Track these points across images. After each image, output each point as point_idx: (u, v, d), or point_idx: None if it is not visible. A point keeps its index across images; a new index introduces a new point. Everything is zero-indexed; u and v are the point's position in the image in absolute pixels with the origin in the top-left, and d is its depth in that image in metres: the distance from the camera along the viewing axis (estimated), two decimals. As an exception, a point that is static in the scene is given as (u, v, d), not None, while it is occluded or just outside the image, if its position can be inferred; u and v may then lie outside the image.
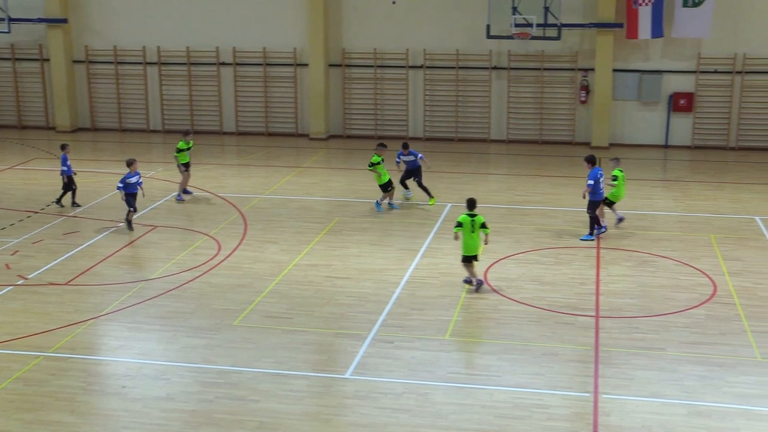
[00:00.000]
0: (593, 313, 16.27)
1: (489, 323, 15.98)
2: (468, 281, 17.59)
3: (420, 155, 23.51)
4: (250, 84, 33.20)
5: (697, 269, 18.54)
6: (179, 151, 23.98)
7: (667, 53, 30.21)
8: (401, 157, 23.48)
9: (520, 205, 23.41)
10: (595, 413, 12.75)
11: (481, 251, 17.62)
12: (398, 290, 17.47)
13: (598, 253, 19.60)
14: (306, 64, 32.28)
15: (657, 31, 29.19)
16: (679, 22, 29.13)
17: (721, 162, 28.82)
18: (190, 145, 24.31)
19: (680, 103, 30.28)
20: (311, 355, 14.80)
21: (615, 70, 30.31)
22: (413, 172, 23.62)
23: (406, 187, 23.90)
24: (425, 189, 23.53)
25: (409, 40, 31.68)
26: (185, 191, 24.28)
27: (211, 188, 25.22)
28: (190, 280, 18.05)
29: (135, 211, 21.46)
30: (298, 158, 29.51)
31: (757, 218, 22.08)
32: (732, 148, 30.26)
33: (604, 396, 13.22)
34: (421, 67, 31.87)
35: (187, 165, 24.14)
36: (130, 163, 21.60)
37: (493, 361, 14.41)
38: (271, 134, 33.08)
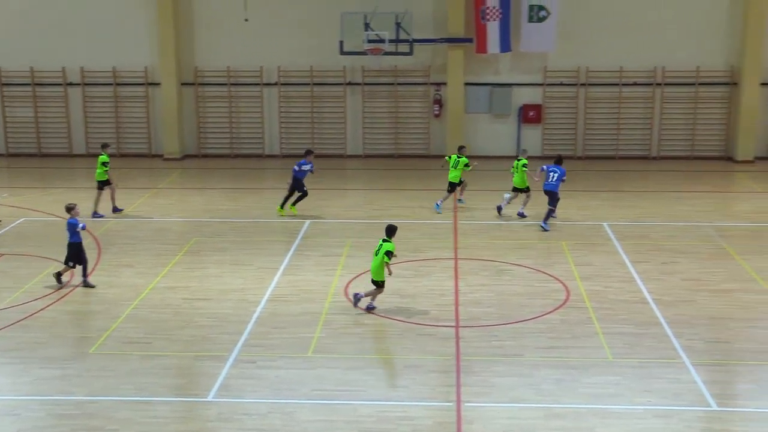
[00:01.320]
0: (453, 324, 16.54)
1: (352, 338, 16.01)
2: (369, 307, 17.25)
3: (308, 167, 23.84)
4: (100, 104, 32.31)
5: (551, 275, 19.13)
6: (104, 164, 23.66)
7: (515, 67, 31.16)
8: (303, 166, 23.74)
9: (377, 220, 23.59)
10: (458, 422, 12.95)
11: (382, 278, 17.06)
12: (259, 309, 17.31)
13: (456, 264, 19.95)
14: (158, 83, 31.68)
15: (505, 45, 30.08)
16: (525, 37, 30.11)
17: (570, 171, 29.65)
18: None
19: (529, 114, 31.27)
20: (172, 380, 14.46)
21: (466, 84, 31.03)
22: (298, 182, 23.77)
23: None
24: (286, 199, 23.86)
25: (262, 57, 31.56)
26: (95, 214, 23.94)
27: (62, 212, 24.36)
28: (42, 309, 17.37)
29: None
30: (153, 179, 28.88)
31: (604, 224, 22.98)
32: (579, 158, 31.43)
33: (466, 405, 13.44)
34: (275, 84, 31.79)
35: (103, 182, 23.85)
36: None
37: (357, 376, 14.43)
38: (123, 155, 32.26)
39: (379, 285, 17.11)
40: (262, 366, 14.78)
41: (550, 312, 17.07)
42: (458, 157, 24.31)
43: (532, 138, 31.48)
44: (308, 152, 24.35)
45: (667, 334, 15.96)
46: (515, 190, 23.88)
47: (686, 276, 19.10)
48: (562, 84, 31.16)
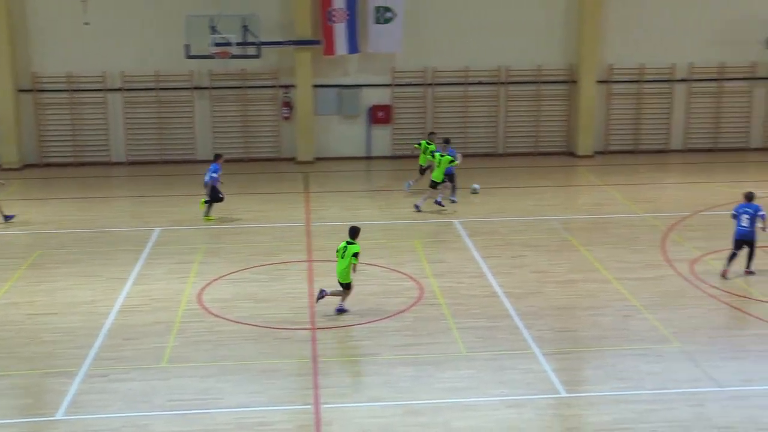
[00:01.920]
0: (309, 326, 16.52)
1: (206, 346, 15.75)
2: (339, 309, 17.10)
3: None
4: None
5: (405, 274, 19.38)
6: None
7: (364, 68, 31.38)
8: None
9: (229, 225, 23.32)
10: (317, 424, 12.95)
11: (349, 280, 16.94)
12: (109, 321, 16.81)
13: (310, 266, 19.94)
14: (-7, 90, 30.32)
15: (353, 47, 30.27)
16: (372, 38, 30.38)
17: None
18: None
19: (378, 115, 31.56)
20: (17, 400, 13.87)
21: (315, 86, 31.02)
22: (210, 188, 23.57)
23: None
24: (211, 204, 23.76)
25: (105, 62, 30.62)
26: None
27: None
28: None
29: None
30: (-9, 190, 27.62)
31: (455, 221, 23.44)
32: (429, 157, 31.98)
33: (324, 406, 13.45)
34: (119, 89, 30.93)
35: None
36: None
37: (213, 384, 14.22)
38: (-42, 166, 30.74)
39: (346, 287, 16.91)
40: (114, 379, 14.36)
41: (404, 310, 17.29)
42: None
43: (382, 138, 31.78)
44: (217, 156, 24.18)
45: (517, 326, 16.44)
46: (434, 184, 24.23)
47: (534, 269, 19.72)
48: (410, 84, 31.60)
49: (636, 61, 31.58)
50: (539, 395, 13.83)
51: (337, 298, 17.13)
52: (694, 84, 31.88)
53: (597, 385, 14.20)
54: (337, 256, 16.93)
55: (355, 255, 16.68)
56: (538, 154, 32.03)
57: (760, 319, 16.75)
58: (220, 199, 23.76)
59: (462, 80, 31.57)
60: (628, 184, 27.42)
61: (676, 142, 32.30)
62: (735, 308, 17.31)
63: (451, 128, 31.54)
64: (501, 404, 13.53)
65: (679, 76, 31.77)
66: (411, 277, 19.15)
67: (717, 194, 26.04)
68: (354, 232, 17.00)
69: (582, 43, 31.00)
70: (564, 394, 13.86)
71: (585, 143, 31.51)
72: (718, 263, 19.61)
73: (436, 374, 14.50)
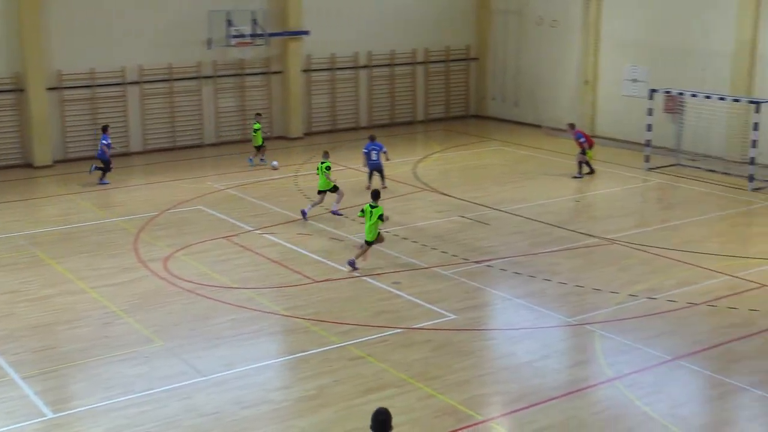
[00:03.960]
0: None
1: None
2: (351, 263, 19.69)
3: None
4: None
5: None
6: None
7: None
8: None
9: None
10: None
11: (374, 237, 19.60)
12: None
13: None
14: None
15: None
16: None
17: None
18: None
19: None
20: None
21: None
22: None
23: None
24: None
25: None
26: None
27: None
28: None
29: None
30: None
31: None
32: None
33: None
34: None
35: None
36: None
37: None
38: None
39: (371, 244, 19.69)
40: None
41: None
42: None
43: None
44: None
45: (-9, 354, 15.42)
46: (320, 192, 24.03)
47: (3, 290, 18.62)
48: None
49: (86, 65, 31.21)
50: (23, 422, 13.10)
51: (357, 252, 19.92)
52: (146, 85, 32.45)
53: (85, 399, 13.87)
54: (365, 218, 19.62)
55: (381, 216, 19.44)
56: (-7, 168, 30.23)
57: (231, 304, 17.66)
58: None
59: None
60: (95, 191, 27.04)
61: (135, 144, 32.60)
62: (209, 298, 18.03)
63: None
64: (-19, 441, 12.62)
65: (130, 79, 32.08)
66: None
67: (181, 191, 26.89)
68: (376, 195, 19.91)
69: (26, 50, 29.79)
70: (51, 416, 13.31)
71: (42, 152, 30.37)
72: (191, 258, 20.34)
73: None
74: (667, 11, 32.21)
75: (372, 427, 9.00)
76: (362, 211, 19.91)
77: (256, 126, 30.50)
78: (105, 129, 28.17)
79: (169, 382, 14.39)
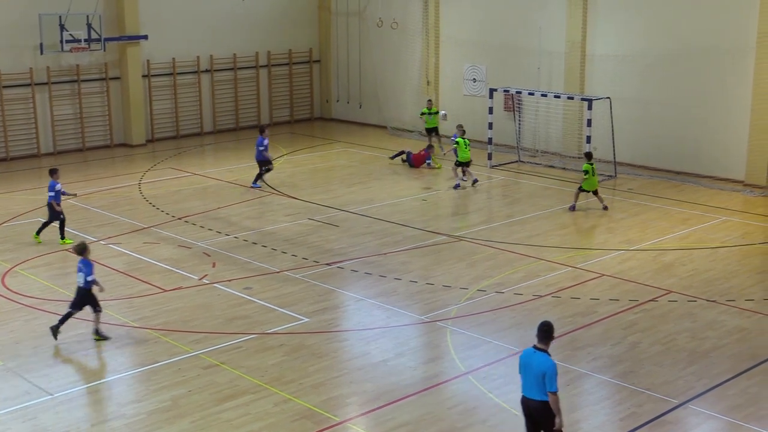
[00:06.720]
0: None
1: None
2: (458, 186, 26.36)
3: None
4: None
5: None
6: None
7: None
8: None
9: None
10: None
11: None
12: None
13: None
14: None
15: None
16: None
17: None
18: None
19: None
20: None
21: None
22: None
23: None
24: None
25: None
26: None
27: None
28: None
29: None
30: None
31: None
32: None
33: None
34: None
35: None
36: None
37: None
38: None
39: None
40: None
41: None
42: None
43: None
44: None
45: None
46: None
47: None
48: None
49: None
50: None
51: None
52: (-25, 93, 30.95)
53: None
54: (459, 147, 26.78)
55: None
56: None
57: (78, 318, 16.88)
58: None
59: None
60: None
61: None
62: (53, 313, 17.27)
63: None
64: None
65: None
66: None
67: (17, 203, 25.78)
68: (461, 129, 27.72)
69: None
70: None
71: None
72: (31, 272, 19.53)
73: None
74: (501, 12, 33.18)
75: (537, 336, 11.32)
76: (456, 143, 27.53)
77: (432, 110, 32.67)
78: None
79: (12, 404, 13.73)
